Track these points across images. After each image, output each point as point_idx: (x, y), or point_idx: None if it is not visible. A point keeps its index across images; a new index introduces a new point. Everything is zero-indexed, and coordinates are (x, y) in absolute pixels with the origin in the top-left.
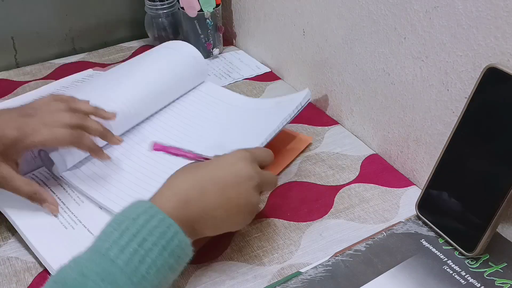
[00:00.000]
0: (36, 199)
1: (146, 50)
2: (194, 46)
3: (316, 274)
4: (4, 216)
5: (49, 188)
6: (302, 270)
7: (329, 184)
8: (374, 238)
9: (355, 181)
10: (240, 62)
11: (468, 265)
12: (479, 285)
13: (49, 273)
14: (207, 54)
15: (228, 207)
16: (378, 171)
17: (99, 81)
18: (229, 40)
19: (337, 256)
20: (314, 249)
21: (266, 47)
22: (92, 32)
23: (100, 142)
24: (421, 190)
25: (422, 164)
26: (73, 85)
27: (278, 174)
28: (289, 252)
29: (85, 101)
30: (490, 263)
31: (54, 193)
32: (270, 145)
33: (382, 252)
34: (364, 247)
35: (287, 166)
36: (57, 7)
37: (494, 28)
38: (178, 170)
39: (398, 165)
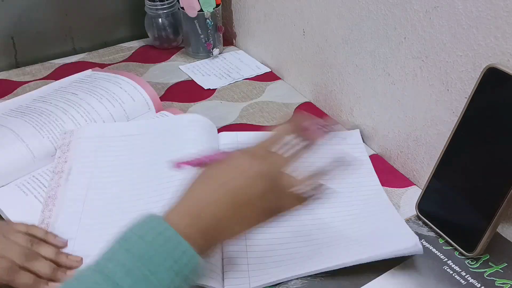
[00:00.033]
0: None
1: (146, 50)
2: (194, 46)
3: (316, 274)
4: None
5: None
6: None
7: None
8: None
9: None
10: (240, 62)
11: (468, 265)
12: (479, 285)
13: None
14: (207, 54)
15: (237, 206)
16: (378, 171)
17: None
18: (229, 40)
19: None
20: None
21: (266, 47)
22: (92, 32)
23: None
24: (421, 190)
25: (422, 164)
26: (72, 85)
27: None
28: None
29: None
30: (490, 263)
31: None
32: None
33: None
34: None
35: None
36: (57, 7)
37: (494, 28)
38: (190, 183)
39: (398, 165)
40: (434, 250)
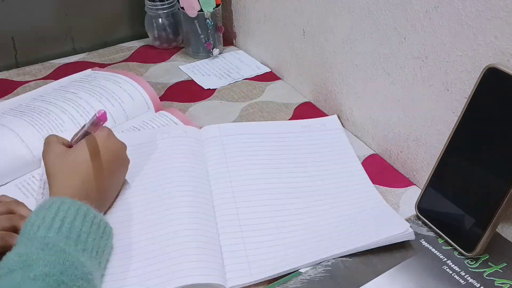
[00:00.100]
0: None
1: (146, 50)
2: (194, 46)
3: (316, 274)
4: None
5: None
6: (301, 270)
7: None
8: None
9: None
10: (240, 62)
11: (468, 265)
12: (478, 285)
13: None
14: (207, 54)
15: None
16: (378, 171)
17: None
18: (229, 40)
19: None
20: None
21: (266, 47)
22: (92, 32)
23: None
24: (421, 190)
25: (422, 164)
26: (72, 85)
27: None
28: None
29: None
30: (489, 263)
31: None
32: None
33: (382, 252)
34: None
35: None
36: (57, 7)
37: (494, 28)
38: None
39: (398, 165)
40: (433, 250)
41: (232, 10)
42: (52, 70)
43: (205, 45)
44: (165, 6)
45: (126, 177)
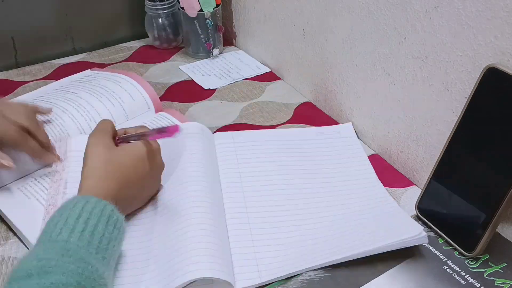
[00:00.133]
0: None
1: (146, 50)
2: (194, 46)
3: (316, 274)
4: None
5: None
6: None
7: None
8: None
9: None
10: (240, 62)
11: (468, 265)
12: (479, 285)
13: None
14: (207, 54)
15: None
16: (378, 171)
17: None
18: (229, 40)
19: None
20: None
21: (266, 47)
22: (92, 32)
23: None
24: (421, 190)
25: (422, 164)
26: (72, 85)
27: None
28: None
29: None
30: (490, 263)
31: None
32: None
33: (382, 252)
34: None
35: None
36: (57, 7)
37: (494, 28)
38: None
39: (398, 165)
40: (433, 250)
41: (232, 10)
42: (52, 70)
43: (205, 45)
44: (165, 6)
45: None
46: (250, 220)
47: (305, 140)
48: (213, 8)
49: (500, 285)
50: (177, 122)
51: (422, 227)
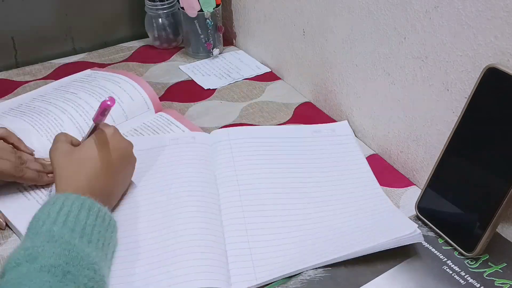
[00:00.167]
0: None
1: (146, 50)
2: (194, 46)
3: (316, 274)
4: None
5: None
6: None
7: None
8: None
9: None
10: (240, 62)
11: (468, 265)
12: (478, 285)
13: None
14: (207, 54)
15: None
16: (378, 171)
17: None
18: (229, 40)
19: None
20: None
21: (266, 47)
22: (92, 32)
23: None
24: (421, 190)
25: (422, 164)
26: (72, 85)
27: None
28: None
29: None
30: (489, 263)
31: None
32: None
33: (382, 252)
34: None
35: None
36: (57, 7)
37: (494, 28)
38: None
39: (398, 165)
40: (433, 250)
41: (232, 10)
42: (52, 70)
43: (205, 45)
44: (165, 6)
45: (134, 179)
46: (246, 220)
47: (301, 138)
48: (213, 8)
49: (500, 285)
50: (178, 124)
51: (417, 225)
